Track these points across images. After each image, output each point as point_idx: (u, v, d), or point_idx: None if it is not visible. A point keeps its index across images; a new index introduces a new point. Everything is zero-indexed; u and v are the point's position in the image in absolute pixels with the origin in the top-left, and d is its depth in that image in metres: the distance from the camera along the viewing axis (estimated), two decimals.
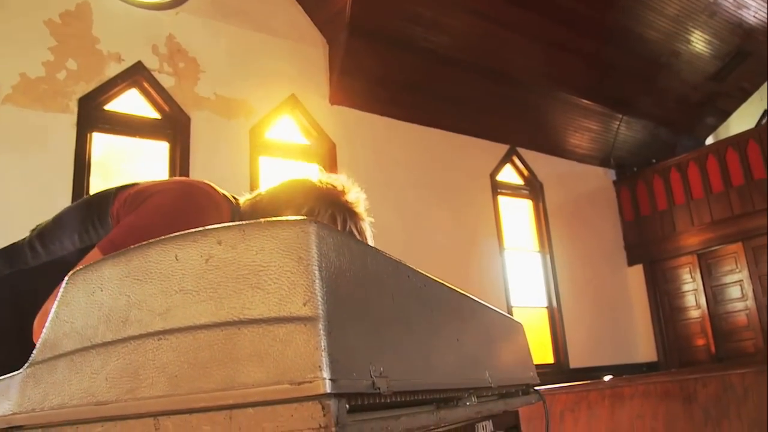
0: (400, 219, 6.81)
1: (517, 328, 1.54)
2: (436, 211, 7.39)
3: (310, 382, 0.53)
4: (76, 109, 5.36)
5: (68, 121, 5.30)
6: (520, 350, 1.49)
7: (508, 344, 1.36)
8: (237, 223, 0.63)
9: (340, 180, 1.53)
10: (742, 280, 8.58)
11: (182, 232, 0.66)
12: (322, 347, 0.54)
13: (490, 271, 7.77)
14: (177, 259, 0.65)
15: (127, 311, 0.66)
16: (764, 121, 10.23)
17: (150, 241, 0.68)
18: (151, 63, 5.84)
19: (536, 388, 1.55)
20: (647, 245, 9.42)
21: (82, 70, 5.45)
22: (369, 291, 0.67)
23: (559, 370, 7.98)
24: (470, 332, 1.05)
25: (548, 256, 8.62)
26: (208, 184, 1.41)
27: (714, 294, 8.86)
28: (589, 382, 4.01)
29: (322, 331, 0.55)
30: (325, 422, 0.52)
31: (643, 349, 9.24)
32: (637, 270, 9.55)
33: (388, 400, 0.66)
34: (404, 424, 0.67)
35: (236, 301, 0.60)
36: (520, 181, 8.79)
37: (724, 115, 10.46)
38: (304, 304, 0.56)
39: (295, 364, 0.55)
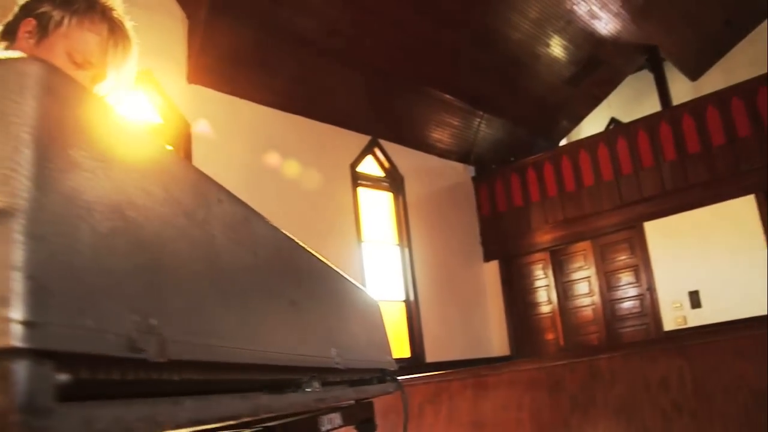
0: (253, 205, 6.47)
1: (372, 304, 1.33)
2: (293, 199, 7.12)
3: None
4: None
5: None
6: (375, 330, 1.27)
7: (362, 320, 1.14)
8: None
9: None
10: (589, 277, 8.95)
11: None
12: (17, 262, 0.29)
13: (348, 262, 7.60)
14: None
15: None
16: (611, 126, 10.80)
17: None
18: None
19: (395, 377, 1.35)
20: (503, 241, 9.61)
21: None
22: (140, 192, 0.41)
23: (415, 364, 7.95)
24: (312, 297, 0.82)
25: (407, 250, 8.58)
26: None
27: (564, 290, 9.20)
28: (449, 371, 3.90)
29: (18, 234, 0.29)
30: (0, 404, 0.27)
31: (497, 343, 9.42)
32: (493, 266, 9.72)
33: (172, 377, 0.41)
34: (191, 412, 0.41)
35: None
36: (381, 173, 8.69)
37: (577, 119, 10.91)
38: None
39: None
